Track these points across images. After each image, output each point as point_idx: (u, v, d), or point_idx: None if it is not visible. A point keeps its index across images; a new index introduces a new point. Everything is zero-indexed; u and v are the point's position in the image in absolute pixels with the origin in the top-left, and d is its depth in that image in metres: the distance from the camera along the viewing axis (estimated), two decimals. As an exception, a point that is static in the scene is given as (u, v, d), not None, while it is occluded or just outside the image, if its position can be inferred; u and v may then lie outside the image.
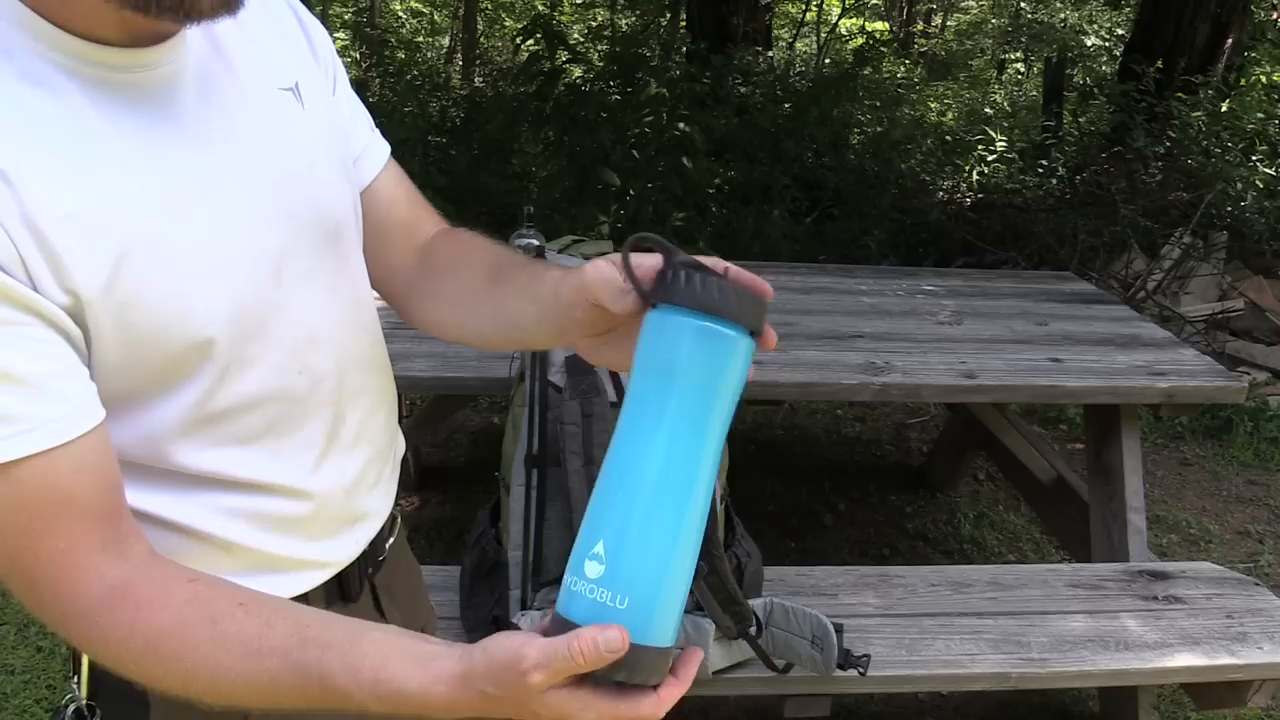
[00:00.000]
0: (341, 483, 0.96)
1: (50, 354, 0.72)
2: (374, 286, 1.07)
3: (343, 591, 0.99)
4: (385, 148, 1.06)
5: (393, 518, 1.09)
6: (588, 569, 0.67)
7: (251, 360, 0.85)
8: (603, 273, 0.77)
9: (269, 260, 0.85)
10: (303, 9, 0.98)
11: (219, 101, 0.84)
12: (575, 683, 0.67)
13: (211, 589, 0.76)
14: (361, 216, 1.01)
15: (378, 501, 1.03)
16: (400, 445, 1.10)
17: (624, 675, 0.66)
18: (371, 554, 1.03)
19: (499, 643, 0.68)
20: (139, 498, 0.83)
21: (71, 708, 0.90)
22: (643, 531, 0.67)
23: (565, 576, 0.69)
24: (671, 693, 0.69)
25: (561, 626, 0.67)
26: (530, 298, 0.87)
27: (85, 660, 0.90)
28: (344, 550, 0.99)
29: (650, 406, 0.69)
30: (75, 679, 0.91)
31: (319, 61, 0.97)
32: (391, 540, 1.09)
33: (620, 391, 1.80)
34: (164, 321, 0.77)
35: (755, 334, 0.72)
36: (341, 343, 0.94)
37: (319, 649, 0.72)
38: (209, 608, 0.74)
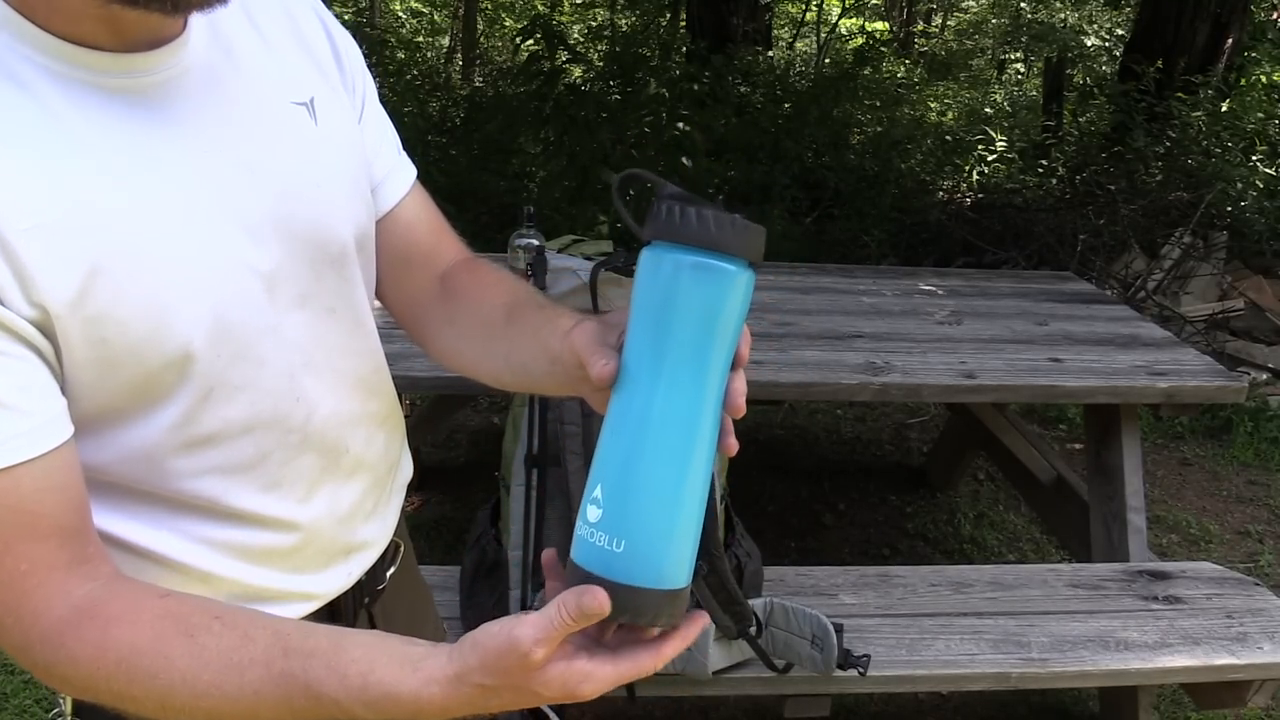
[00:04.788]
0: (334, 513, 0.92)
1: (14, 368, 0.69)
2: (392, 313, 1.04)
3: (333, 614, 0.95)
4: (410, 173, 1.02)
5: (395, 545, 1.05)
6: (589, 513, 0.67)
7: (242, 384, 0.81)
8: (586, 335, 0.75)
9: (260, 279, 0.81)
10: (336, 26, 0.94)
11: (222, 112, 0.81)
12: (572, 654, 0.66)
13: (184, 603, 0.73)
14: (382, 241, 0.98)
15: (375, 531, 1.00)
16: (406, 472, 1.07)
17: (628, 618, 0.66)
18: (369, 584, 1.00)
19: (488, 633, 0.67)
20: (114, 524, 0.80)
21: None
22: (637, 475, 0.66)
23: (577, 521, 0.69)
24: (671, 646, 0.68)
25: (573, 572, 0.67)
26: (542, 345, 0.84)
27: None
28: (333, 582, 0.95)
29: (646, 349, 0.67)
30: (62, 695, 0.89)
31: (346, 81, 0.93)
32: (393, 569, 1.05)
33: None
34: (138, 337, 0.74)
35: (754, 264, 0.68)
36: (340, 368, 0.90)
37: (302, 658, 0.69)
38: (184, 621, 0.71)
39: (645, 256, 0.68)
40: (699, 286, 0.66)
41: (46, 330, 0.71)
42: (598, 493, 0.67)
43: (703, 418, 0.68)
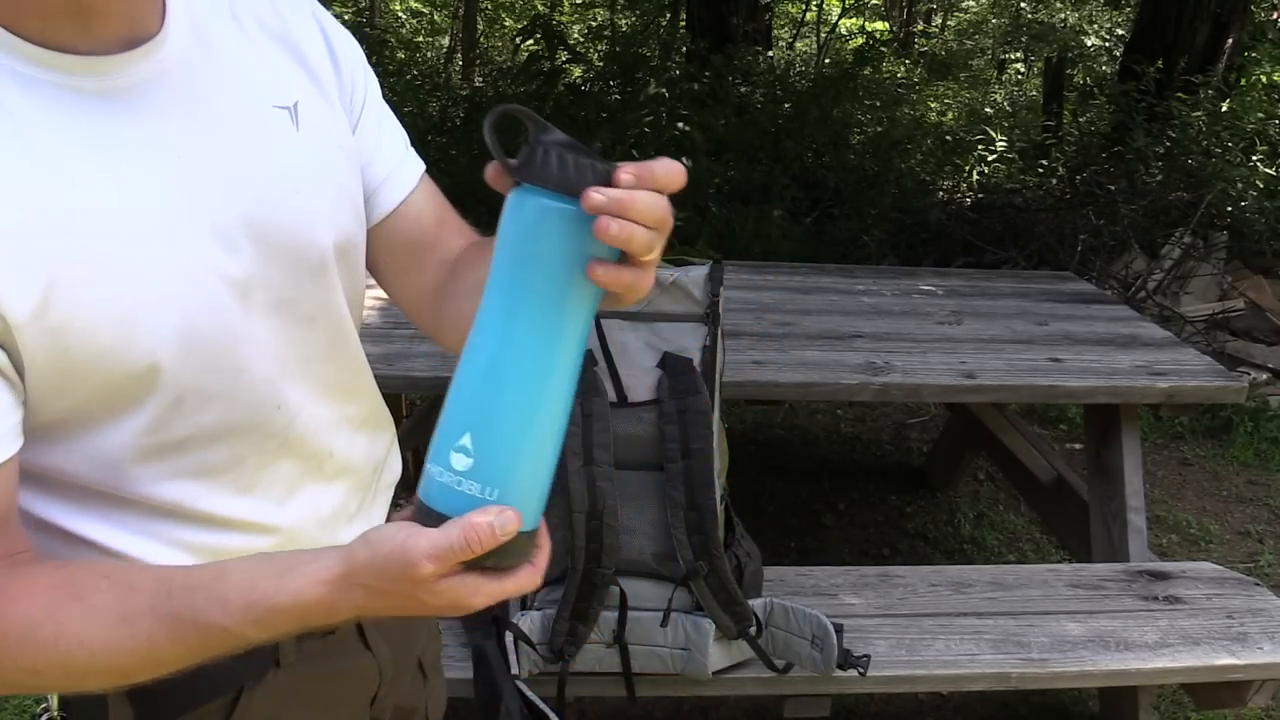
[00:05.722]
0: (316, 516, 0.92)
1: None
2: (404, 309, 1.02)
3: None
4: (416, 169, 1.00)
5: None
6: (454, 460, 0.67)
7: (216, 392, 0.80)
8: None
9: (231, 286, 0.79)
10: (334, 27, 0.92)
11: (198, 114, 0.79)
12: (462, 569, 0.67)
13: (77, 569, 0.74)
14: (391, 239, 0.96)
15: (359, 532, 1.00)
16: (394, 471, 1.06)
17: (494, 560, 0.67)
18: None
19: (382, 535, 0.67)
20: (90, 528, 0.80)
21: (45, 717, 0.89)
22: (506, 423, 0.67)
23: (428, 464, 0.69)
24: (543, 559, 0.71)
25: (427, 516, 0.67)
26: None
27: None
28: None
29: (498, 291, 0.67)
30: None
31: (343, 84, 0.91)
32: None
33: (620, 391, 1.80)
34: (102, 348, 0.73)
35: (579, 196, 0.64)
36: (321, 374, 0.90)
37: (185, 594, 0.70)
38: (74, 586, 0.72)
39: (508, 199, 0.67)
40: (525, 221, 0.65)
41: (6, 341, 0.70)
42: (466, 440, 0.67)
43: (565, 361, 0.68)
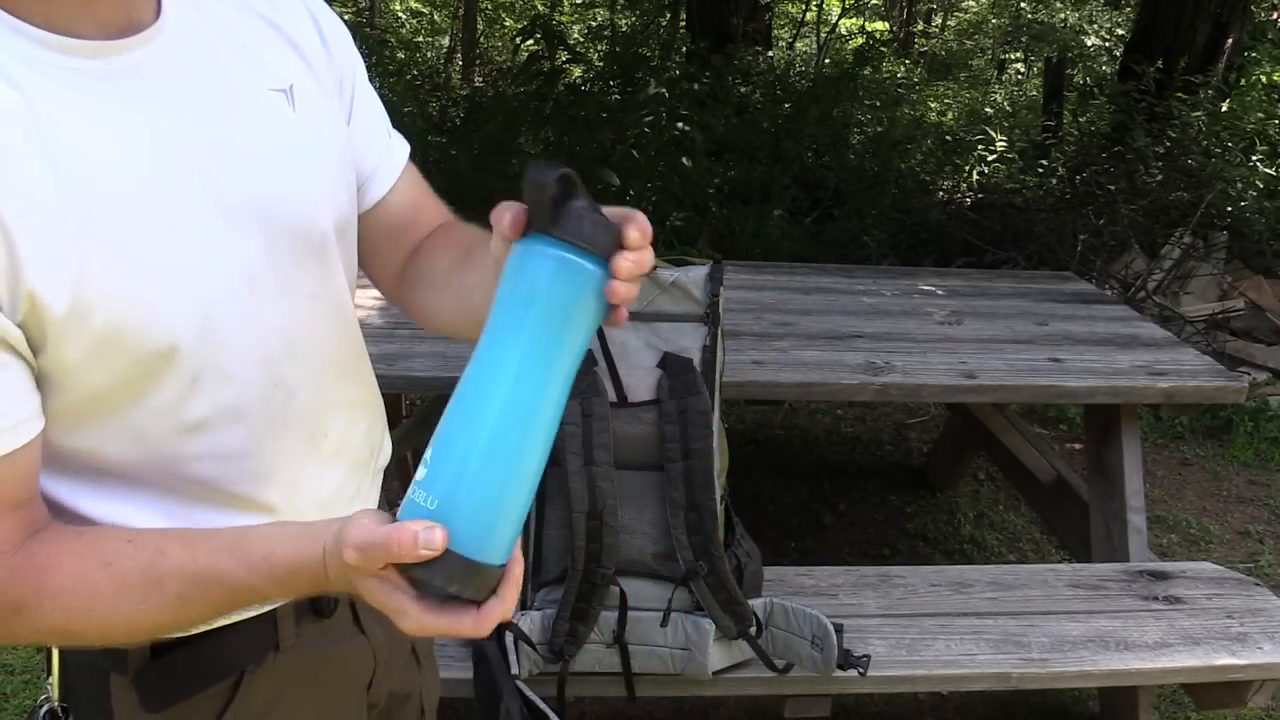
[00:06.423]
0: (316, 497, 0.93)
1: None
2: (381, 290, 1.06)
3: (315, 607, 0.96)
4: (402, 154, 1.02)
5: None
6: (430, 483, 0.69)
7: (229, 371, 0.82)
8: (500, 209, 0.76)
9: (243, 270, 0.82)
10: (322, 10, 0.94)
11: (199, 98, 0.80)
12: (400, 585, 0.69)
13: (98, 536, 0.78)
14: (375, 225, 0.99)
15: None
16: (385, 456, 1.07)
17: (455, 588, 0.68)
18: None
19: (352, 518, 0.70)
20: (111, 510, 0.81)
21: (45, 708, 0.90)
22: (487, 453, 0.69)
23: (410, 488, 0.71)
24: (495, 611, 0.70)
25: None
26: (482, 264, 0.84)
27: (56, 662, 0.90)
28: None
29: (507, 334, 0.71)
30: (49, 679, 0.91)
31: (334, 68, 0.93)
32: None
33: (620, 391, 1.80)
34: (124, 328, 0.75)
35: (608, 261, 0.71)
36: (322, 355, 0.91)
37: (209, 557, 0.75)
38: (99, 553, 0.76)
39: (518, 247, 0.71)
40: (563, 280, 0.70)
41: (32, 322, 0.71)
42: (453, 466, 0.69)
43: (552, 407, 0.72)
